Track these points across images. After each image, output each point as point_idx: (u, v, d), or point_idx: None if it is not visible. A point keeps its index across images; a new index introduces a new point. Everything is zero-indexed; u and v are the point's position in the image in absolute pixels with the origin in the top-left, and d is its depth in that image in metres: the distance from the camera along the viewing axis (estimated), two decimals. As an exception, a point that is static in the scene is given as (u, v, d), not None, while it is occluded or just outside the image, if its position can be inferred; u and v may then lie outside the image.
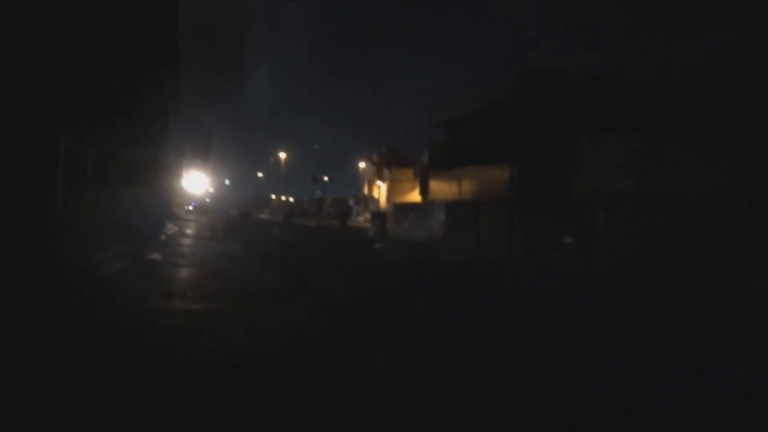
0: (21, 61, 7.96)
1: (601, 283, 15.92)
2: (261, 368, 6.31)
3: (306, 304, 10.76)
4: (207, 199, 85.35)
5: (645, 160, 17.39)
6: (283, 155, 79.66)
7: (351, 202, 73.91)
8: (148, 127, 13.36)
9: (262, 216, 74.49)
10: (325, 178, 63.02)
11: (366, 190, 71.72)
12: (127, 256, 13.82)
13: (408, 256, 22.35)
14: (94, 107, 10.17)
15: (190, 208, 61.02)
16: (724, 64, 19.92)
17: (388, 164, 60.30)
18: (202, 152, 29.04)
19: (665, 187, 16.77)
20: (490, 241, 24.48)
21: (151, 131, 13.85)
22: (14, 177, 8.90)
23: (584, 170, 19.50)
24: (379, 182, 63.41)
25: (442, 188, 29.77)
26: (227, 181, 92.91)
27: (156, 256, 16.51)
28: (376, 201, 63.60)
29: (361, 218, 64.05)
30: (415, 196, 52.66)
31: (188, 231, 32.24)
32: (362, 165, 73.45)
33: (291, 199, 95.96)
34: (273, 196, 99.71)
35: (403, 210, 51.09)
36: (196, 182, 54.35)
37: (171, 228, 29.52)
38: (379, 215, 37.77)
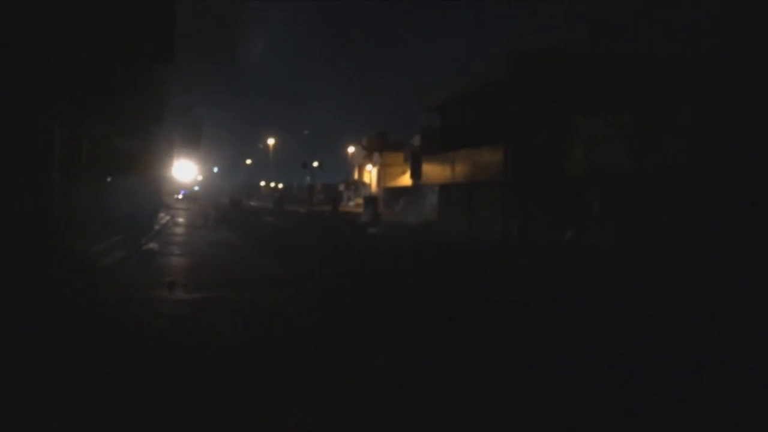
0: (16, 52, 7.82)
1: (598, 260, 15.97)
2: (269, 359, 6.29)
3: (309, 291, 10.71)
4: (196, 187, 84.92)
5: (637, 137, 17.44)
6: (271, 141, 79.21)
7: (341, 187, 73.75)
8: (142, 115, 13.21)
9: (252, 203, 74.25)
10: (315, 164, 62.78)
11: (356, 175, 71.57)
12: (125, 246, 13.73)
13: (403, 240, 22.35)
14: (88, 96, 10.03)
15: (180, 196, 60.69)
16: (716, 39, 19.94)
17: (378, 149, 60.15)
18: (193, 140, 28.83)
19: (658, 164, 16.85)
20: (484, 223, 24.52)
21: (145, 119, 13.69)
22: (10, 167, 8.78)
23: (577, 149, 19.54)
24: (369, 167, 63.27)
25: (435, 171, 29.74)
26: (216, 169, 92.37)
27: (153, 245, 16.43)
28: (367, 186, 63.48)
29: (351, 203, 63.96)
30: (405, 180, 52.60)
31: (180, 220, 32.09)
32: (352, 150, 73.21)
33: (280, 186, 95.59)
34: (262, 183, 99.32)
35: (394, 194, 51.02)
36: (185, 170, 53.95)
37: (163, 217, 29.35)
38: (371, 200, 37.74)
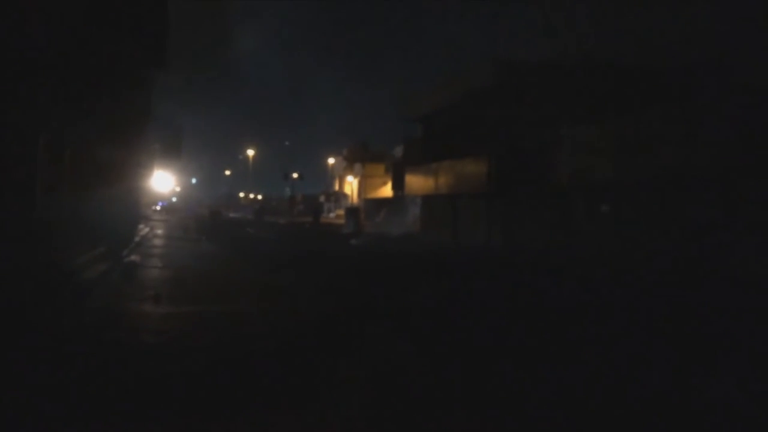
0: (2, 57, 7.61)
1: (585, 267, 16.01)
2: (258, 371, 6.14)
3: (298, 304, 10.55)
4: (174, 198, 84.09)
5: (622, 145, 17.56)
6: (251, 153, 78.80)
7: (322, 198, 73.53)
8: (126, 124, 12.99)
9: (232, 214, 73.73)
10: (295, 175, 62.42)
11: (337, 187, 71.43)
12: (107, 259, 13.46)
13: (387, 251, 22.24)
14: (75, 103, 9.80)
15: (158, 207, 60.06)
16: (697, 48, 20.22)
17: (359, 160, 60.12)
18: (173, 150, 28.53)
19: (642, 172, 16.97)
20: (468, 234, 24.51)
21: (129, 128, 13.46)
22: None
23: (562, 158, 19.62)
24: (350, 178, 63.19)
25: (418, 182, 29.72)
26: (194, 180, 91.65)
27: (135, 257, 16.14)
28: (347, 197, 63.36)
29: (332, 215, 63.75)
30: (386, 191, 52.54)
31: (160, 231, 31.72)
32: (332, 161, 73.09)
33: (260, 197, 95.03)
34: (241, 195, 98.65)
35: (375, 205, 50.91)
36: (164, 181, 53.42)
37: (143, 228, 28.97)
38: (353, 211, 37.66)
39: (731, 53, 18.83)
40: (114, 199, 17.30)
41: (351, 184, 63.29)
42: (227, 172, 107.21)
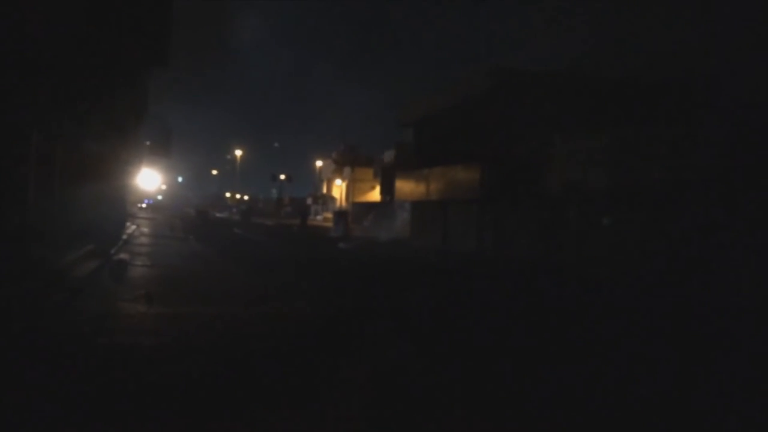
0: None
1: (575, 274, 16.04)
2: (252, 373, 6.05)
3: (290, 306, 10.44)
4: (159, 197, 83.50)
5: (614, 156, 17.63)
6: (239, 153, 78.43)
7: (309, 201, 73.30)
8: (121, 122, 12.82)
9: (218, 214, 73.28)
10: (282, 177, 62.29)
11: (325, 189, 71.26)
12: (97, 257, 13.27)
13: (378, 256, 22.14)
14: (71, 101, 9.63)
15: (143, 205, 59.59)
16: (692, 62, 20.39)
17: (348, 163, 60.01)
18: (163, 149, 28.30)
19: (634, 183, 17.04)
20: (459, 240, 24.49)
21: (123, 126, 13.29)
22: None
23: (556, 167, 19.65)
24: (338, 181, 63.06)
25: (408, 187, 29.67)
26: (180, 179, 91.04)
27: (123, 256, 15.95)
28: (335, 200, 63.22)
29: (319, 217, 63.53)
30: (374, 196, 52.46)
31: (146, 230, 31.41)
32: (320, 164, 72.94)
33: (246, 198, 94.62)
34: (228, 195, 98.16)
35: (363, 209, 50.79)
36: (150, 179, 52.99)
37: (129, 226, 28.68)
38: (342, 214, 37.50)
39: (725, 67, 18.99)
40: (102, 196, 17.10)
41: (339, 188, 63.16)
42: (214, 172, 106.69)
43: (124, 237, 22.07)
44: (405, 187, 30.30)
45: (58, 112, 9.54)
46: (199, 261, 17.04)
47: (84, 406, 4.77)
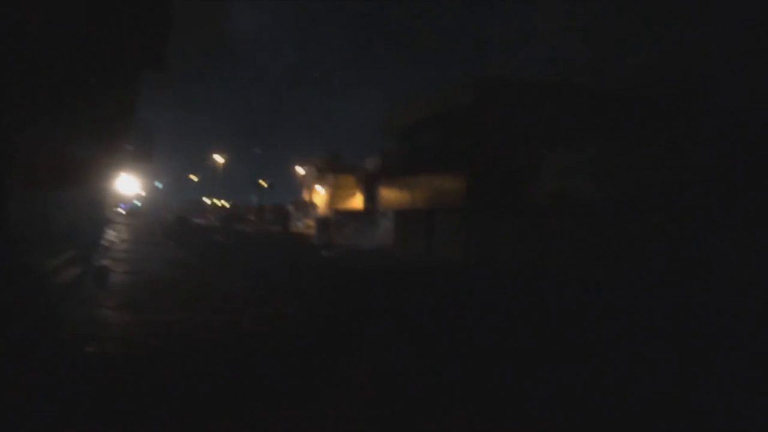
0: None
1: (559, 283, 16.05)
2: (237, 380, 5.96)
3: (281, 316, 10.30)
4: (138, 202, 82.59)
5: (600, 168, 17.70)
6: (220, 159, 77.76)
7: (290, 208, 72.88)
8: (107, 126, 12.60)
9: (198, 221, 72.57)
10: (263, 183, 61.81)
11: (306, 196, 70.90)
12: (79, 263, 13.01)
13: (363, 264, 22.00)
14: (59, 104, 9.41)
15: (122, 210, 58.87)
16: (678, 73, 20.57)
17: (330, 170, 59.79)
18: (145, 153, 27.91)
19: (619, 193, 17.12)
20: (442, 250, 24.43)
21: (108, 131, 13.06)
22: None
23: (542, 177, 19.69)
24: (319, 188, 62.80)
25: (392, 195, 29.60)
26: (160, 184, 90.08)
27: (106, 262, 15.67)
28: (316, 207, 62.93)
29: (300, 224, 63.18)
30: (356, 203, 52.24)
31: (127, 236, 30.99)
32: (302, 171, 72.60)
33: (227, 204, 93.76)
34: (208, 201, 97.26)
35: (345, 217, 50.58)
36: (129, 184, 52.31)
37: (110, 232, 28.29)
38: (325, 222, 37.33)
39: (712, 78, 19.18)
40: (83, 201, 16.79)
41: (321, 195, 62.89)
42: (194, 177, 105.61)
43: (105, 243, 21.74)
44: (389, 195, 30.23)
45: (44, 116, 9.33)
46: (180, 268, 16.81)
47: (70, 412, 4.71)
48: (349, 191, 56.85)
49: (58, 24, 7.85)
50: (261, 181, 66.65)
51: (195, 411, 4.95)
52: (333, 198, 58.30)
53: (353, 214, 49.46)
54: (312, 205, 66.78)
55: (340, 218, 51.71)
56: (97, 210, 21.13)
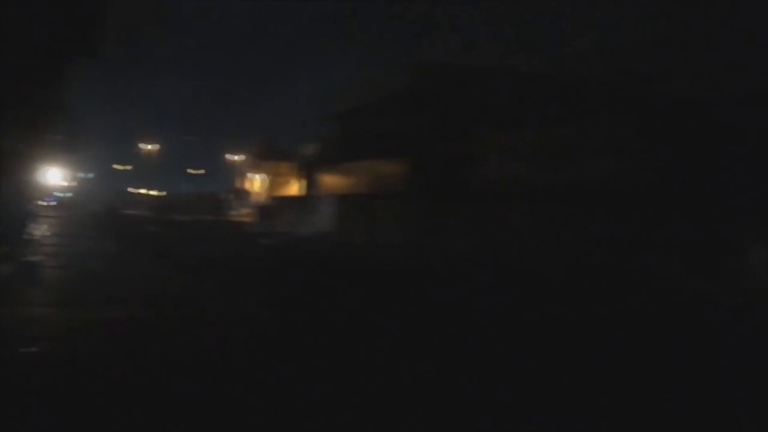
0: None
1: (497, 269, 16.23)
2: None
3: (221, 309, 10.03)
4: (67, 193, 79.41)
5: (542, 152, 17.90)
6: (152, 147, 75.63)
7: (226, 196, 71.52)
8: (33, 115, 11.90)
9: (129, 212, 70.41)
10: (193, 171, 60.56)
11: (242, 184, 69.70)
12: (7, 259, 12.37)
13: (304, 253, 21.75)
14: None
15: (52, 202, 56.51)
16: (620, 60, 21.03)
17: (266, 157, 58.87)
18: (72, 143, 26.71)
19: (559, 180, 17.37)
20: (384, 235, 24.39)
21: (34, 120, 12.34)
22: None
23: (482, 163, 19.80)
24: (255, 175, 61.80)
25: (333, 182, 29.36)
26: (91, 174, 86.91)
27: (36, 258, 14.97)
28: (253, 195, 61.94)
29: (237, 212, 62.10)
30: (294, 190, 51.62)
31: (55, 229, 29.73)
32: (237, 158, 71.32)
33: (159, 193, 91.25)
34: (142, 191, 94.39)
35: (283, 204, 49.92)
36: (58, 175, 50.23)
37: (38, 226, 27.04)
38: (263, 209, 36.76)
39: (652, 64, 19.64)
40: (5, 194, 15.93)
41: (257, 182, 61.91)
42: (125, 167, 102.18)
43: (34, 237, 20.78)
44: (329, 180, 29.96)
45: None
46: (116, 262, 16.26)
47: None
48: (287, 178, 56.06)
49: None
50: (192, 170, 65.25)
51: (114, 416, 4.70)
52: (271, 185, 57.47)
53: (292, 201, 48.84)
54: (248, 193, 65.70)
55: (278, 204, 51.05)
56: (22, 204, 20.11)
